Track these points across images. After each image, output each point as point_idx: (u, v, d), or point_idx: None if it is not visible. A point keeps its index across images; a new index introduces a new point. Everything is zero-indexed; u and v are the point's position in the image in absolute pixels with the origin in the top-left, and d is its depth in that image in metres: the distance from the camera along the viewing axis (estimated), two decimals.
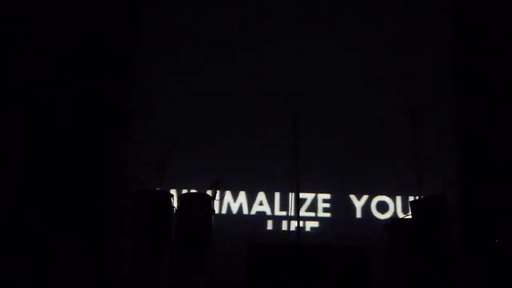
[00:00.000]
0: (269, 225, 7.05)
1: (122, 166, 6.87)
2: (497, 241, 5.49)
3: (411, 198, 7.03)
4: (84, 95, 7.04)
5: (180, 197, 5.79)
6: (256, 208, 7.11)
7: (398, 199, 7.13)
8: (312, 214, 7.09)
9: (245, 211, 7.08)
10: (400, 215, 7.06)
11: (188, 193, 5.88)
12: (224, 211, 7.00)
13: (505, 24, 7.20)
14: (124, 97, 7.22)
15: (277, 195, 7.13)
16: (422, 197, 5.87)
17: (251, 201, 7.12)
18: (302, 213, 6.89)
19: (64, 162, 6.68)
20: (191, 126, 7.21)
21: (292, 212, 5.74)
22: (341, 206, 7.12)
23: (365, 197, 7.16)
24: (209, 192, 5.85)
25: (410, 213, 5.67)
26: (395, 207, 7.11)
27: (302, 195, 6.71)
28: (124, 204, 5.72)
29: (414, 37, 7.59)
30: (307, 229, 6.99)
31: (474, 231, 6.15)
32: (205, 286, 5.48)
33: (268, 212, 7.09)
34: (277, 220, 7.05)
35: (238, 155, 7.15)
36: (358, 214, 7.10)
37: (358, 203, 7.14)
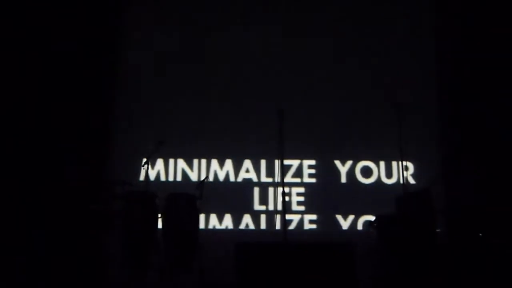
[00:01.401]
0: (256, 192, 7.17)
1: (108, 168, 6.90)
2: (480, 234, 5.58)
3: (394, 163, 7.19)
4: (70, 96, 6.96)
5: (166, 197, 5.77)
6: (242, 176, 7.23)
7: (382, 164, 7.27)
8: (297, 180, 7.22)
9: (232, 178, 7.19)
10: (384, 180, 7.22)
11: (175, 193, 5.84)
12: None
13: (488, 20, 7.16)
14: (110, 98, 7.19)
15: (263, 162, 7.23)
16: (408, 191, 5.98)
17: (237, 168, 7.23)
18: (288, 179, 7.05)
19: (51, 164, 6.64)
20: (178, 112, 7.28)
21: (278, 179, 5.81)
22: (326, 172, 7.25)
23: (349, 163, 7.29)
24: (195, 191, 5.83)
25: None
26: (378, 172, 7.25)
27: (287, 162, 6.88)
28: (110, 205, 5.74)
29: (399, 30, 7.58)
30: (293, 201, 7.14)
31: (460, 225, 6.24)
32: (194, 287, 5.52)
33: (255, 179, 7.21)
34: (264, 186, 7.18)
35: (224, 123, 7.23)
36: (343, 179, 7.24)
37: (343, 169, 7.28)
